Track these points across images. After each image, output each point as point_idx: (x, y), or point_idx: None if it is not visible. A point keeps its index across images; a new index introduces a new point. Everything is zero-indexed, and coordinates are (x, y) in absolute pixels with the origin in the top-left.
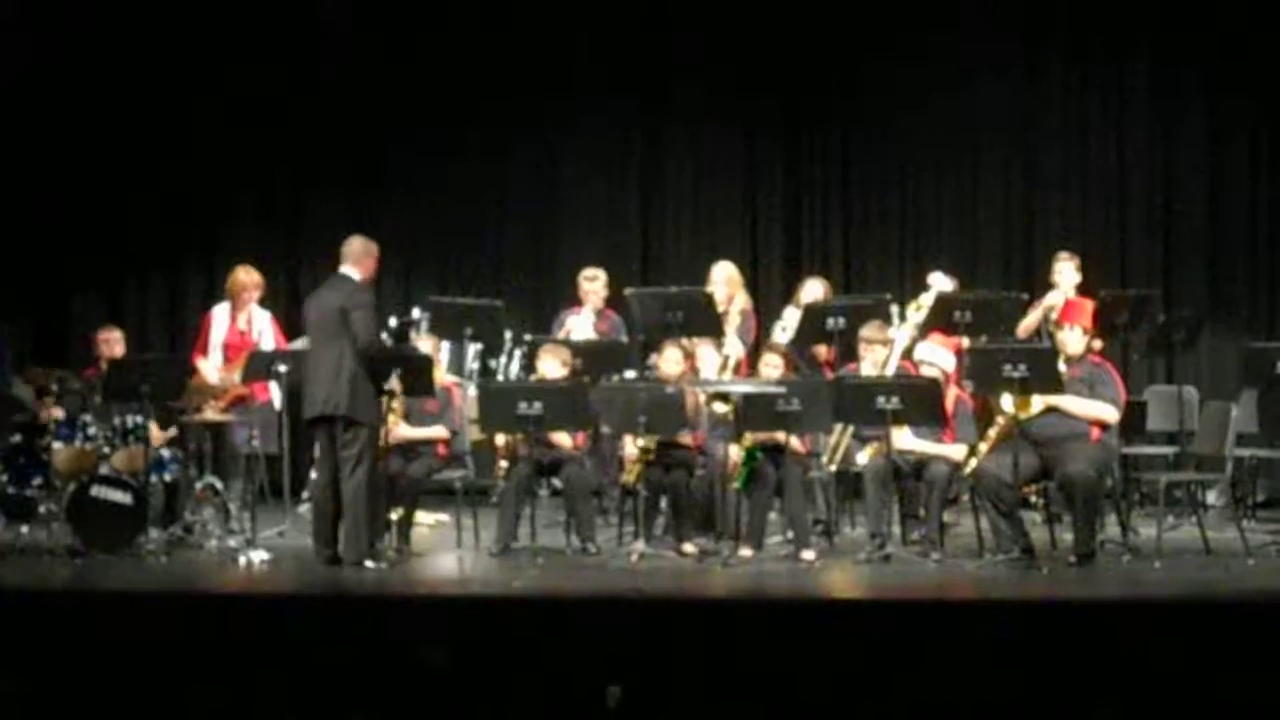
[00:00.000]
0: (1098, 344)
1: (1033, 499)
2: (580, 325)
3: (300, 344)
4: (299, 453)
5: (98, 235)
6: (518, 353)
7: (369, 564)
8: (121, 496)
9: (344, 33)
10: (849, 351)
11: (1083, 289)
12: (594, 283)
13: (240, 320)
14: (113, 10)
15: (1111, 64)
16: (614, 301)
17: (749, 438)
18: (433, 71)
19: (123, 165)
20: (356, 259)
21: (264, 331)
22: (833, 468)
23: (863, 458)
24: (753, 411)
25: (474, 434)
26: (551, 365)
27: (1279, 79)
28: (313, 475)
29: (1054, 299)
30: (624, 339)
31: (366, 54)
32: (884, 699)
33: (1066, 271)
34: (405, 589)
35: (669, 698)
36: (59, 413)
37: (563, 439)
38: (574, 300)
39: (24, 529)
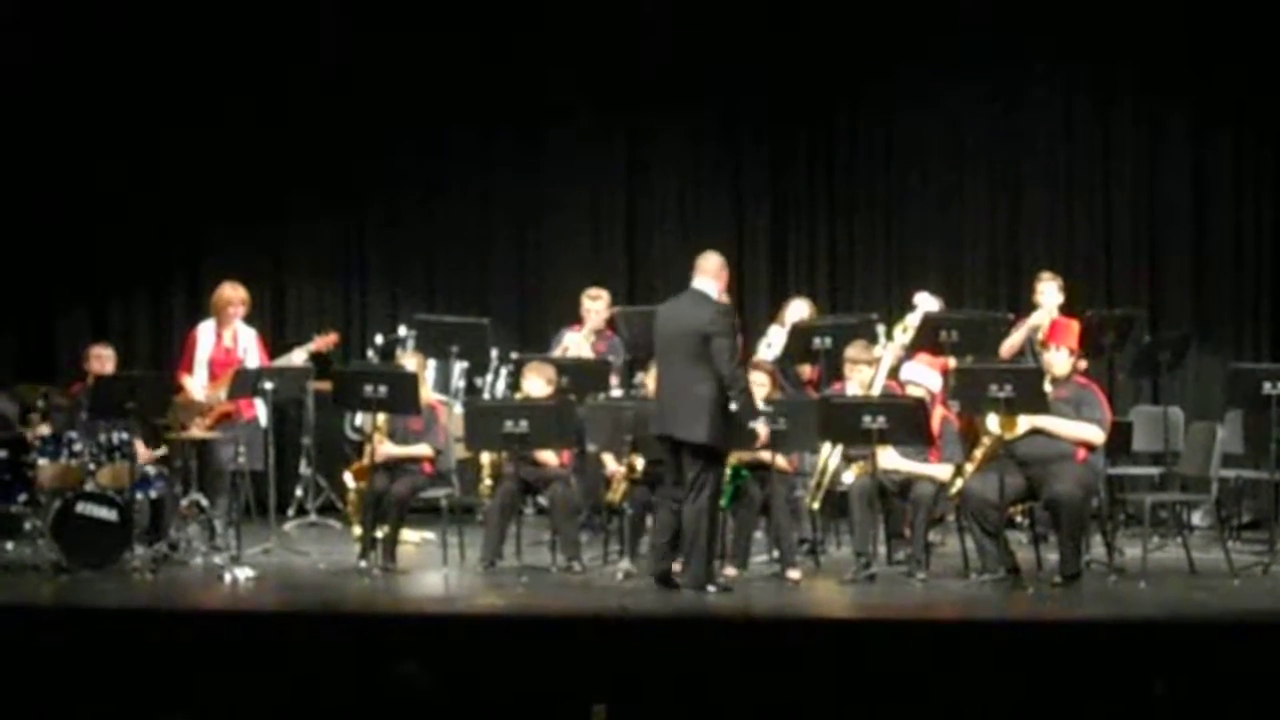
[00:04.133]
0: (1082, 364)
1: (1018, 519)
2: (576, 343)
3: (285, 360)
4: (284, 470)
5: (84, 251)
6: (504, 371)
7: (710, 589)
8: (107, 513)
9: (330, 54)
10: (835, 371)
11: (1068, 309)
12: (596, 302)
13: (225, 337)
14: (99, 26)
15: (1097, 86)
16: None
17: (734, 456)
18: (419, 91)
19: (110, 181)
20: (714, 273)
21: (249, 348)
22: (815, 505)
23: (849, 477)
24: (738, 430)
25: (459, 452)
26: (536, 384)
27: (1263, 103)
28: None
29: (1038, 319)
30: (619, 359)
31: (353, 74)
32: (869, 718)
33: (1049, 292)
34: (390, 606)
35: (654, 717)
36: (45, 429)
37: (548, 457)
38: (566, 318)
39: (9, 545)
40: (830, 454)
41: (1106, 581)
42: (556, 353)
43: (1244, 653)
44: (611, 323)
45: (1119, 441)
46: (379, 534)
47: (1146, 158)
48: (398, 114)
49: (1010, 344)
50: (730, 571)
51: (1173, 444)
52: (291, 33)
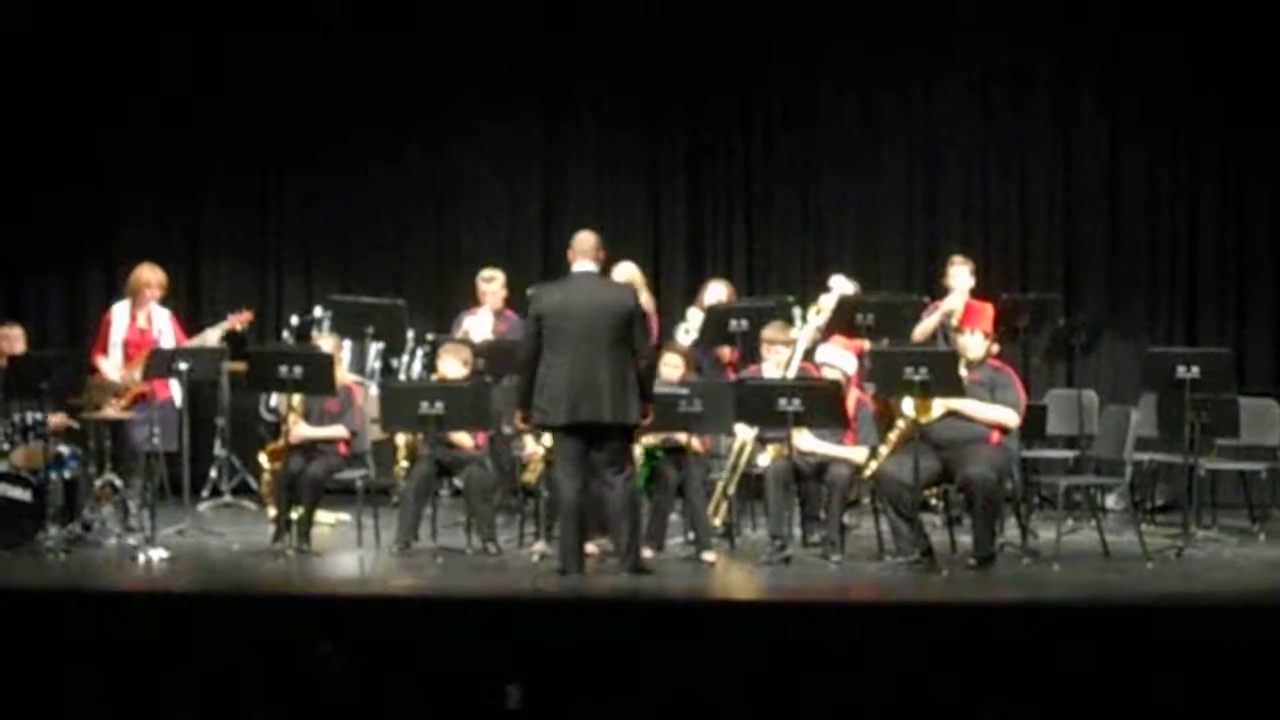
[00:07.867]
0: (995, 348)
1: (933, 502)
2: (478, 326)
3: (200, 339)
4: (199, 451)
5: None
6: (420, 352)
7: (643, 569)
8: (20, 493)
9: (244, 34)
10: (752, 353)
11: (983, 293)
12: (491, 284)
13: (140, 318)
14: (18, 8)
15: (1014, 67)
16: (513, 302)
17: (649, 438)
18: (331, 72)
19: (22, 162)
20: (594, 254)
21: (164, 330)
22: (732, 489)
23: (764, 459)
24: (654, 412)
25: (375, 433)
26: (452, 365)
27: (1178, 85)
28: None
29: (952, 303)
30: None
31: (266, 54)
32: (784, 700)
33: (960, 275)
34: (305, 588)
35: (569, 698)
36: None
37: (463, 439)
38: (474, 301)
39: None
40: (746, 438)
41: (1020, 564)
42: (458, 337)
43: (1157, 636)
44: (511, 303)
45: (1033, 424)
46: (294, 515)
47: (1062, 142)
48: (316, 97)
49: (923, 328)
50: (647, 553)
51: (1087, 427)
52: (210, 21)
